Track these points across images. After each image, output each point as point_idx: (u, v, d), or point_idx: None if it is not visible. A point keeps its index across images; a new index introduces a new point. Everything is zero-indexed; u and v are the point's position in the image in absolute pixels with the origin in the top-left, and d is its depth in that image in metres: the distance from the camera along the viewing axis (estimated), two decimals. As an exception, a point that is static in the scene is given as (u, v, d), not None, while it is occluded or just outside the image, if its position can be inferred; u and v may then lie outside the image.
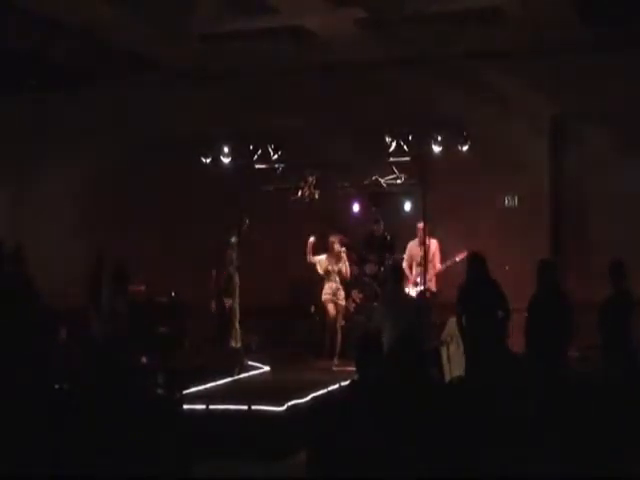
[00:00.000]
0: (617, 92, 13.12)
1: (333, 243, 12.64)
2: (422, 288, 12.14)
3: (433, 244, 12.59)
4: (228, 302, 12.62)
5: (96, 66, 14.59)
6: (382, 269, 13.41)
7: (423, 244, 12.29)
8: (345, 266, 12.66)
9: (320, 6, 12.09)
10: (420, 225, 12.42)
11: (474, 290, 9.37)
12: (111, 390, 6.71)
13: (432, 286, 12.52)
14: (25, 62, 14.13)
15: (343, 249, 12.69)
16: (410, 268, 12.76)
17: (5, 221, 15.95)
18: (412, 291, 12.49)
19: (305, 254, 12.59)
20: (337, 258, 12.60)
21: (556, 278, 9.24)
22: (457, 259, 12.22)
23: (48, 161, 16.19)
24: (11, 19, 12.51)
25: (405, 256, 12.87)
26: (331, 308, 12.51)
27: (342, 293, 12.69)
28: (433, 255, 12.55)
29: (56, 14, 12.38)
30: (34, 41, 13.26)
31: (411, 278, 12.69)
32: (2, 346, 8.48)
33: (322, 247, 12.76)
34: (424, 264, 12.15)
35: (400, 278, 10.58)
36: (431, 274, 12.46)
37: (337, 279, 12.60)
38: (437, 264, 12.62)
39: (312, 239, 12.66)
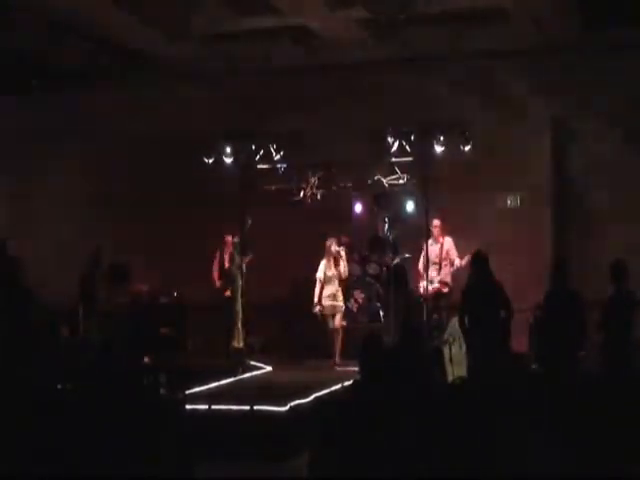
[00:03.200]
0: (617, 92, 13.13)
1: (330, 246, 12.63)
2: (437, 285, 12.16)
3: (447, 242, 12.57)
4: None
5: (96, 66, 14.59)
6: (385, 269, 13.42)
7: (426, 243, 12.25)
8: (343, 267, 12.64)
9: (321, 6, 12.10)
10: (435, 222, 12.40)
11: (477, 290, 9.37)
12: (113, 390, 6.70)
13: (449, 282, 12.49)
14: (25, 62, 14.13)
15: (341, 248, 12.68)
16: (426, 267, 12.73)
17: (5, 221, 15.96)
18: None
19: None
20: (335, 260, 12.58)
21: (568, 278, 9.23)
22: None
23: (48, 161, 16.18)
24: (11, 19, 12.52)
25: (422, 255, 12.80)
26: (329, 318, 12.50)
27: (340, 294, 12.69)
28: (447, 252, 12.52)
29: (56, 15, 12.40)
30: (34, 41, 13.26)
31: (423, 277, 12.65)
32: (2, 346, 8.47)
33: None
34: (426, 263, 12.14)
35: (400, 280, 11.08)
36: (446, 271, 12.44)
37: (335, 282, 12.60)
38: (455, 260, 12.54)
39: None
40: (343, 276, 12.64)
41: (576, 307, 8.91)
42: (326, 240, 12.68)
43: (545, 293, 9.16)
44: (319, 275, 12.57)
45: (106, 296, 11.02)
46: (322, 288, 12.55)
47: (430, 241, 12.55)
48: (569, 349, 8.76)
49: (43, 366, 8.27)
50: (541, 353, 8.87)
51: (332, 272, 12.58)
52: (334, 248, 12.60)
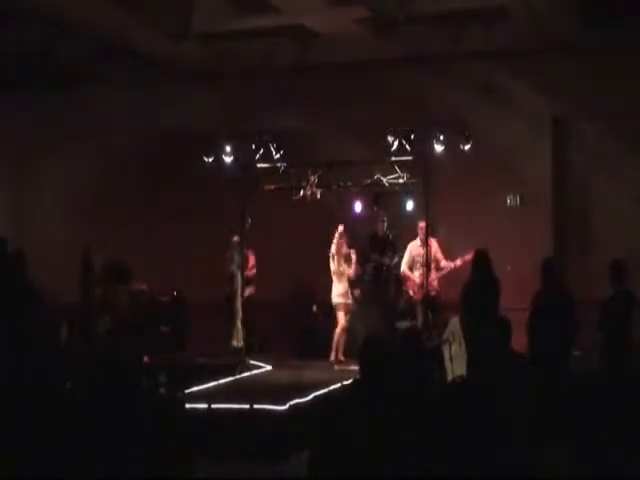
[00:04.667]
0: (618, 92, 13.13)
1: (340, 245, 12.62)
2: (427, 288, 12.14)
3: (433, 244, 12.55)
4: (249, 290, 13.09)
5: (96, 66, 14.60)
6: (384, 269, 13.40)
7: (425, 244, 12.24)
8: (352, 266, 12.66)
9: (320, 5, 12.11)
10: (421, 224, 12.38)
11: (478, 289, 9.37)
12: (112, 389, 6.70)
13: (435, 286, 12.49)
14: (25, 62, 14.14)
15: (352, 251, 12.69)
16: (411, 269, 12.71)
17: (5, 221, 15.96)
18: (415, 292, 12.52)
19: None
20: (344, 258, 12.59)
21: (560, 277, 9.24)
22: (466, 259, 12.02)
23: (48, 161, 16.19)
24: (12, 19, 12.52)
25: (405, 257, 12.81)
26: (341, 315, 12.50)
27: (349, 292, 12.74)
28: (434, 255, 12.51)
29: (56, 14, 12.40)
30: (34, 41, 13.27)
31: (413, 279, 12.64)
32: (3, 346, 8.48)
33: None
34: (426, 264, 12.13)
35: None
36: (433, 274, 12.43)
37: (345, 279, 12.61)
38: (442, 262, 12.55)
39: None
40: (351, 275, 12.69)
41: (566, 306, 8.91)
42: (334, 237, 12.69)
43: (534, 293, 9.15)
44: (333, 269, 12.60)
45: (105, 295, 11.06)
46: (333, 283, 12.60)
47: (418, 243, 12.56)
48: (559, 348, 8.76)
49: (43, 365, 8.28)
50: (533, 353, 8.86)
51: (342, 269, 12.58)
52: (344, 249, 12.59)
